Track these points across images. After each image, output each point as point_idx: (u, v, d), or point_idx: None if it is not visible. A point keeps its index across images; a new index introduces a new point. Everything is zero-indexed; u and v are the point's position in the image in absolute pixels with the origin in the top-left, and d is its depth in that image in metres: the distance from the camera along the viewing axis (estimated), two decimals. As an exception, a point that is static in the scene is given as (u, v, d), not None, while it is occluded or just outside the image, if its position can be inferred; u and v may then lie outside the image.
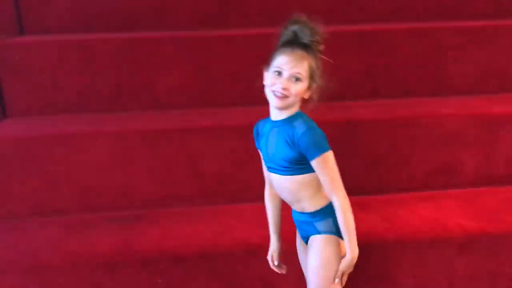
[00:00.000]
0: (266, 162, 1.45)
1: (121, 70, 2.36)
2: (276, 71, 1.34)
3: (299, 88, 1.33)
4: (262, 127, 1.45)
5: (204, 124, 2.10)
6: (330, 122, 2.13)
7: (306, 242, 1.48)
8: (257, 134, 1.47)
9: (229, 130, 2.10)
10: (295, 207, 1.45)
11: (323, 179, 1.35)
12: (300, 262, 1.58)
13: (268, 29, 2.42)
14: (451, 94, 2.48)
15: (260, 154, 1.48)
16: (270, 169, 1.44)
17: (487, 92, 2.50)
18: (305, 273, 1.55)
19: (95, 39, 2.40)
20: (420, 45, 2.46)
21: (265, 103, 1.41)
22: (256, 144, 1.49)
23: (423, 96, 2.47)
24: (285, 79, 1.33)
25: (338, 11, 2.69)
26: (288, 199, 1.45)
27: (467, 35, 2.49)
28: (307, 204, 1.40)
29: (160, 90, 2.38)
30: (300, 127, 1.34)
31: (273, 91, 1.34)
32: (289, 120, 1.36)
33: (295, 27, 1.36)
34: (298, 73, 1.33)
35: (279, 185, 1.44)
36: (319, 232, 1.41)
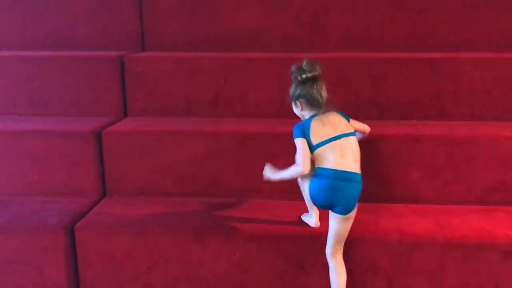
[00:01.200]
0: None
1: (219, 83, 2.71)
2: None
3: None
4: None
5: (283, 131, 2.32)
6: (397, 136, 2.37)
7: None
8: None
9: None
10: None
11: None
12: None
13: (346, 54, 2.74)
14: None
15: None
16: None
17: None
18: None
19: (200, 57, 2.77)
20: (488, 74, 2.58)
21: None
22: None
23: (489, 120, 2.58)
24: None
25: (413, 40, 2.88)
26: None
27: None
28: None
29: (250, 101, 2.69)
30: None
31: None
32: None
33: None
34: None
35: None
36: None
